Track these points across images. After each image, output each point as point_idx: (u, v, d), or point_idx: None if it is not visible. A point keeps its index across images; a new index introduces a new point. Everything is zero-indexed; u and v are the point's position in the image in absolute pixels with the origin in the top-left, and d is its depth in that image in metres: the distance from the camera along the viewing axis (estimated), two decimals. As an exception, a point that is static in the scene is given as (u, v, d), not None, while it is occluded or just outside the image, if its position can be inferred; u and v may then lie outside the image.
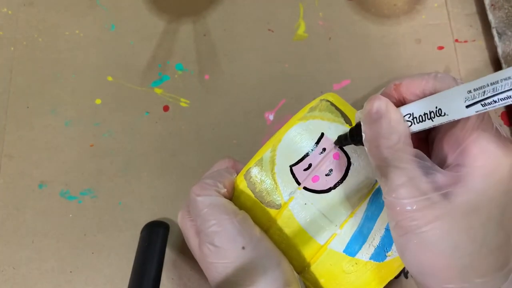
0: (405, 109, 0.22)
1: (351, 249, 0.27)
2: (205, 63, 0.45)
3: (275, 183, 0.28)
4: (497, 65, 0.44)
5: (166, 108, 0.44)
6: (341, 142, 0.27)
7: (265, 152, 0.28)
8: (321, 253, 0.28)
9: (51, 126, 0.44)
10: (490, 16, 0.44)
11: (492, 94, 0.17)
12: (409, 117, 0.21)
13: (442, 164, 0.22)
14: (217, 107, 0.44)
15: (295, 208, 0.28)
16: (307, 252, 0.28)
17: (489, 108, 0.18)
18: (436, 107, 0.20)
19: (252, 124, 0.43)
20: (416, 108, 0.21)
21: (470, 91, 0.18)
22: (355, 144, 0.26)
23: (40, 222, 0.41)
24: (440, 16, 0.46)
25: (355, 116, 0.25)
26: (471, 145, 0.20)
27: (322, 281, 0.28)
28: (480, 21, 0.46)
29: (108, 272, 0.40)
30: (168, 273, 0.39)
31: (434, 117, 0.20)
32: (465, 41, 0.46)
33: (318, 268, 0.28)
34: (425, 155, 0.21)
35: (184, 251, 0.40)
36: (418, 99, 0.22)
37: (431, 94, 0.21)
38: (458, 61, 0.45)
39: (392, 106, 0.22)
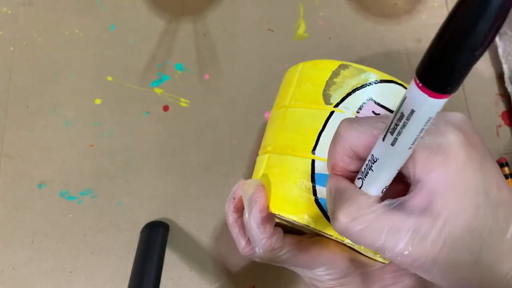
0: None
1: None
2: (205, 63, 0.45)
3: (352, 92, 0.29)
4: (497, 65, 0.44)
5: (166, 108, 0.44)
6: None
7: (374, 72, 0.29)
8: None
9: (51, 126, 0.44)
10: (490, 16, 0.44)
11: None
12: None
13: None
14: (217, 107, 0.44)
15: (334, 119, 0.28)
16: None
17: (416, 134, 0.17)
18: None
19: (252, 124, 0.43)
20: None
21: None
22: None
23: (40, 222, 0.41)
24: (440, 16, 0.46)
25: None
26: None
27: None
28: (480, 21, 0.46)
29: (108, 272, 0.40)
30: (168, 273, 0.39)
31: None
32: (465, 41, 0.45)
33: None
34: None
35: (184, 251, 0.40)
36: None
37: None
38: (458, 61, 0.45)
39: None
